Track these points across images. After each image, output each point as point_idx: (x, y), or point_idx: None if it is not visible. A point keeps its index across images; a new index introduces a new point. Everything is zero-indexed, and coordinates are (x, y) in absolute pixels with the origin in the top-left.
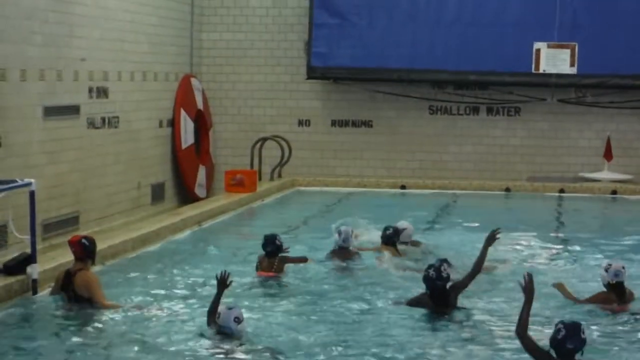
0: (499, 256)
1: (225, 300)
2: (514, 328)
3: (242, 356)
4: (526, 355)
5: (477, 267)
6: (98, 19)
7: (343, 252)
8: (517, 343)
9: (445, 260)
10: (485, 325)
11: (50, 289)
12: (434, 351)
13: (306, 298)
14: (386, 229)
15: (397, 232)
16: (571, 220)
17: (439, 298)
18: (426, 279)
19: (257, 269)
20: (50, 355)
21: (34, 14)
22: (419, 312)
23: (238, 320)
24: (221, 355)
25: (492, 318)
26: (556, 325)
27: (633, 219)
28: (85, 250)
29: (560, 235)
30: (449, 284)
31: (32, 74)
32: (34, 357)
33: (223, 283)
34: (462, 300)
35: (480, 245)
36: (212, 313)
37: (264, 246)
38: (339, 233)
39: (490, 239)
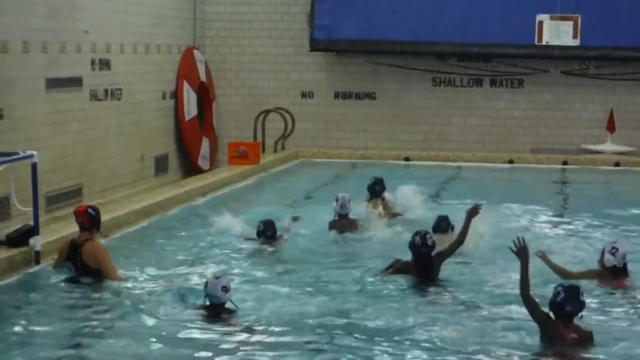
0: (501, 228)
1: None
2: (493, 301)
3: (233, 328)
4: (508, 327)
5: (460, 238)
6: None
7: (342, 220)
8: (499, 314)
9: (445, 218)
10: (467, 296)
11: (53, 261)
12: (413, 320)
13: (296, 271)
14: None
15: (380, 181)
16: (574, 192)
17: (424, 266)
18: (412, 246)
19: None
20: (55, 326)
21: None
22: (403, 282)
23: (225, 289)
24: (217, 326)
25: (474, 288)
26: (555, 288)
27: (636, 190)
28: (91, 220)
29: (563, 206)
30: (434, 252)
31: (35, 46)
32: (38, 328)
33: None
34: (445, 273)
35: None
36: None
37: (263, 232)
38: (337, 200)
39: (472, 213)
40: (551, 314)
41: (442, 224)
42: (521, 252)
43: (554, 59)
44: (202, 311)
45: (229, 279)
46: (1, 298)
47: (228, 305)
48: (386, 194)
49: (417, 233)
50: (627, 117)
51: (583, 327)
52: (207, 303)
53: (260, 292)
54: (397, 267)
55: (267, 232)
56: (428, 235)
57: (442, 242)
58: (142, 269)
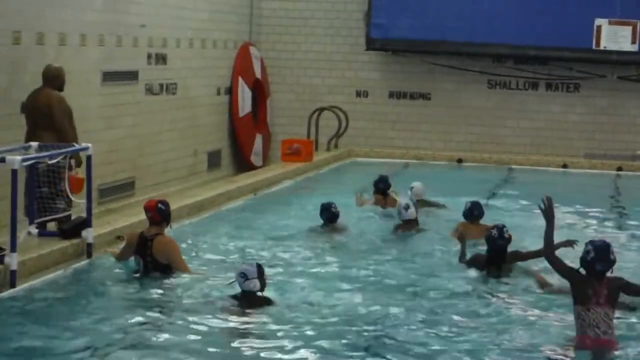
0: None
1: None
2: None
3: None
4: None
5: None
6: None
7: (408, 224)
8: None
9: (477, 204)
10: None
11: (107, 252)
12: (475, 312)
13: (348, 266)
14: None
15: (383, 179)
16: (628, 199)
17: (496, 259)
18: (488, 239)
19: None
20: (104, 318)
21: None
22: (471, 277)
23: (244, 275)
24: (244, 314)
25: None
26: (586, 245)
27: None
28: (161, 215)
29: (617, 213)
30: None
31: (92, 39)
32: (88, 319)
33: None
34: None
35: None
36: None
37: (321, 214)
38: (404, 207)
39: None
40: (581, 271)
41: (475, 210)
42: (547, 212)
43: (612, 63)
44: (233, 300)
45: (251, 268)
46: (53, 289)
47: (259, 293)
48: (417, 184)
49: (494, 226)
50: None
51: (614, 277)
52: (239, 291)
53: (303, 283)
54: (471, 258)
55: (324, 214)
56: (505, 229)
57: (470, 230)
58: (192, 264)
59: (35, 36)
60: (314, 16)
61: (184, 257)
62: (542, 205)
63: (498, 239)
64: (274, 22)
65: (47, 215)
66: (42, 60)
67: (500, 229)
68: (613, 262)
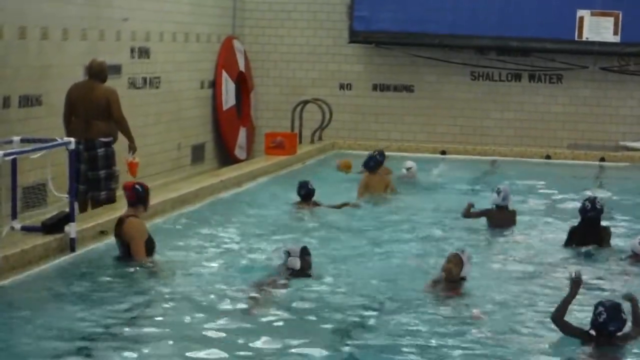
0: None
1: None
2: None
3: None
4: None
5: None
6: None
7: (500, 211)
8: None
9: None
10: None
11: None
12: None
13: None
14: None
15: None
16: (611, 189)
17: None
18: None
19: None
20: (89, 314)
21: None
22: None
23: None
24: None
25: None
26: (596, 307)
27: None
28: (137, 196)
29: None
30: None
31: (74, 33)
32: (71, 315)
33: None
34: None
35: None
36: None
37: (299, 190)
38: (498, 192)
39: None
40: (592, 332)
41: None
42: (575, 284)
43: (594, 54)
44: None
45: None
46: (37, 285)
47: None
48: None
49: (587, 198)
50: None
51: (621, 336)
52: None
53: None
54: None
55: (301, 190)
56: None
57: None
58: (175, 257)
59: (17, 31)
60: (296, 9)
61: (172, 250)
62: (574, 276)
63: (590, 211)
64: (257, 15)
65: (103, 191)
66: (24, 55)
67: (592, 200)
68: (625, 321)
